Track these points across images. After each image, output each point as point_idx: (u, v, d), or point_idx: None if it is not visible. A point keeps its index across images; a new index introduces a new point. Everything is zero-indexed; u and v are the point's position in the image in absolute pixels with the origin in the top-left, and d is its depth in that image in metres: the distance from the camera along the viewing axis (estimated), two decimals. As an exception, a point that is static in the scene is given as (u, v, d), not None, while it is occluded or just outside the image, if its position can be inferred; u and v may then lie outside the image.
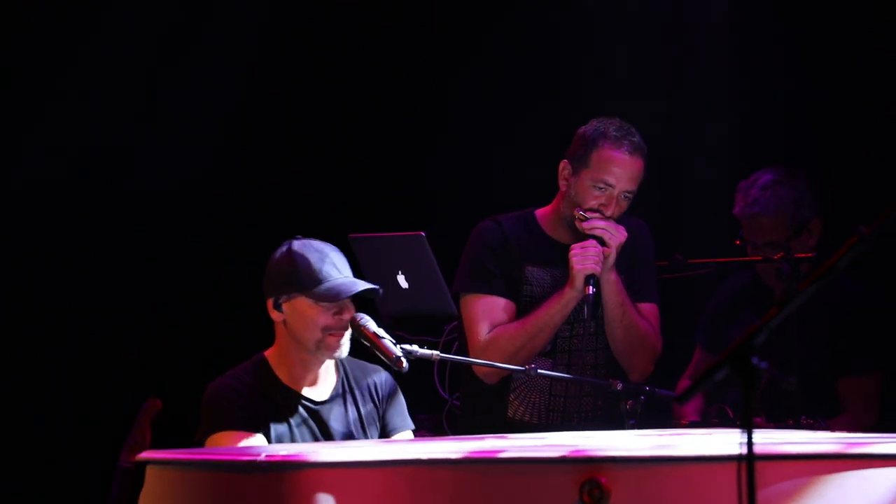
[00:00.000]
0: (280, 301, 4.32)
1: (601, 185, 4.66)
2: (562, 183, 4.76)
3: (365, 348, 4.33)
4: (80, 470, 6.34)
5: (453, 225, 5.14)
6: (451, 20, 6.53)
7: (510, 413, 4.75)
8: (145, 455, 3.50)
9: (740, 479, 2.76)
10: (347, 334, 4.29)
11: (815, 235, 5.12)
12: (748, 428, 2.76)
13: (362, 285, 4.30)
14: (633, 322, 4.69)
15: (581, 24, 6.27)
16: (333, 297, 4.27)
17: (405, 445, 4.00)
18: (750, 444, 2.75)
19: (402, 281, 5.52)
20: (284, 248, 4.35)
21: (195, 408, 4.36)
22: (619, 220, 4.70)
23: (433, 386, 5.46)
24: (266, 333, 4.43)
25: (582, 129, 4.76)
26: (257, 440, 4.22)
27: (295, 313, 4.30)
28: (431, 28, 6.55)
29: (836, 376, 5.04)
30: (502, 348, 4.64)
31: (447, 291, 5.30)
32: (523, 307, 4.73)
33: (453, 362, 4.65)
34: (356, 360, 4.46)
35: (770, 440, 3.38)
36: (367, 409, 4.39)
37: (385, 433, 4.41)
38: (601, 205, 4.66)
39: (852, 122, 5.82)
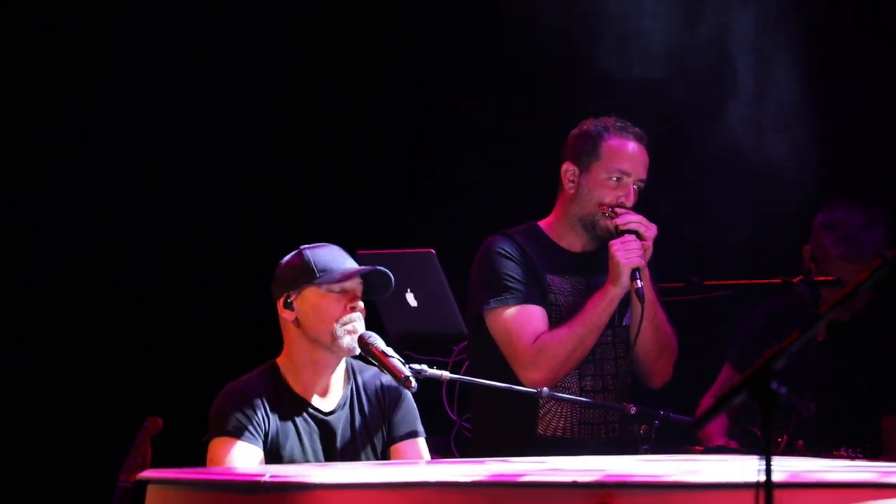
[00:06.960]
0: (290, 298, 4.28)
1: (617, 175, 4.56)
2: (568, 185, 4.63)
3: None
4: (79, 490, 6.30)
5: (463, 242, 5.06)
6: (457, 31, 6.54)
7: (541, 430, 4.62)
8: (146, 474, 3.49)
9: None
10: (360, 325, 4.24)
11: None
12: (767, 454, 2.70)
13: (369, 267, 4.28)
14: (662, 321, 4.59)
15: (593, 38, 6.24)
16: (341, 279, 4.24)
17: (413, 467, 3.94)
18: (769, 470, 2.69)
19: (410, 299, 5.45)
20: (293, 252, 4.35)
21: (197, 426, 4.31)
22: None
23: (441, 407, 5.41)
24: (270, 349, 4.38)
25: (578, 130, 4.66)
26: (254, 453, 4.16)
27: (306, 306, 4.25)
28: (442, 44, 6.54)
29: (880, 413, 4.93)
30: (555, 354, 4.51)
31: (457, 310, 5.23)
32: (550, 315, 4.61)
33: (462, 383, 4.56)
34: (368, 365, 4.39)
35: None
36: (373, 415, 4.33)
37: (391, 439, 4.34)
38: (620, 197, 4.56)
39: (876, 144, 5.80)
